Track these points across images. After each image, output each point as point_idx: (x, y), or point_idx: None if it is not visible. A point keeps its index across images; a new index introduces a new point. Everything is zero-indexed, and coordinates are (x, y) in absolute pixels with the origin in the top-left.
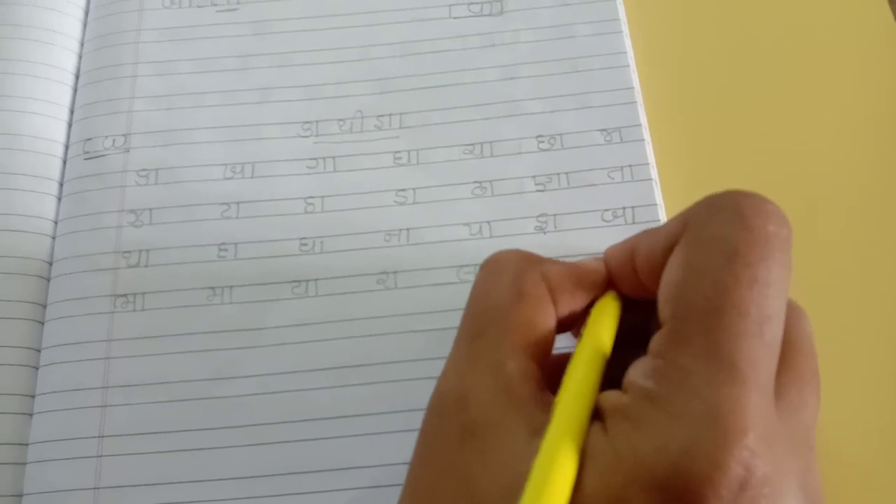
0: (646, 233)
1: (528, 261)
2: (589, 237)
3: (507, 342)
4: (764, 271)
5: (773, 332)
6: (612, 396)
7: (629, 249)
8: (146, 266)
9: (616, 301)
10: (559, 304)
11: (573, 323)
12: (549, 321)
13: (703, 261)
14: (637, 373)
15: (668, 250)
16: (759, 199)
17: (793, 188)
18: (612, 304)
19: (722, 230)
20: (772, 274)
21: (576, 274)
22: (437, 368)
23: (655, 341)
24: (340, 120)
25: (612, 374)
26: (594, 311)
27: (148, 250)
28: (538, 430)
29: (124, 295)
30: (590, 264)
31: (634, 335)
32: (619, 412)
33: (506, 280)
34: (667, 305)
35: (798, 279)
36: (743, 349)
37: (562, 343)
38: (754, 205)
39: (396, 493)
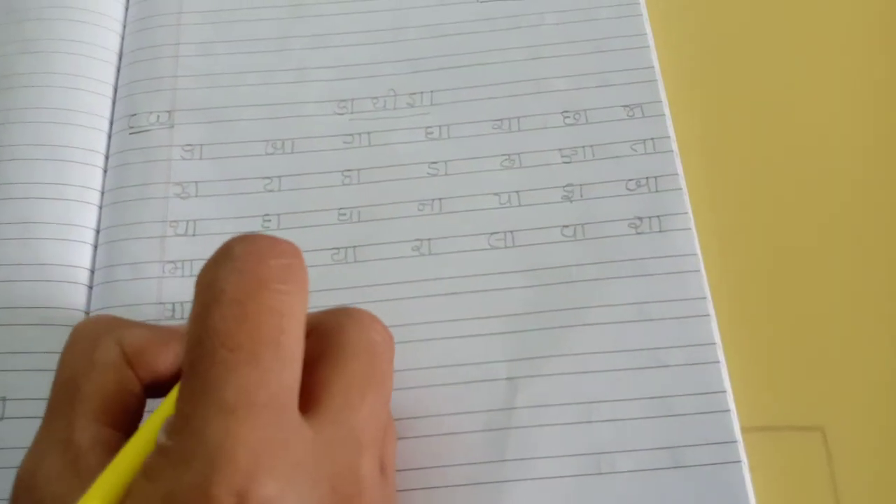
0: None
1: (107, 327)
2: (614, 205)
3: (79, 414)
4: (254, 304)
5: (278, 356)
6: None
7: None
8: (194, 235)
9: None
10: (140, 369)
11: (168, 381)
12: (128, 386)
13: (195, 308)
14: (161, 431)
15: None
16: (254, 238)
17: (808, 161)
18: None
19: (212, 275)
20: (267, 304)
21: (159, 337)
22: (471, 328)
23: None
24: (374, 98)
25: None
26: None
27: (195, 220)
28: None
29: (173, 261)
30: (176, 327)
31: None
32: (141, 473)
33: (78, 351)
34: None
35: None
36: (232, 380)
37: None
38: (246, 245)
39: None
